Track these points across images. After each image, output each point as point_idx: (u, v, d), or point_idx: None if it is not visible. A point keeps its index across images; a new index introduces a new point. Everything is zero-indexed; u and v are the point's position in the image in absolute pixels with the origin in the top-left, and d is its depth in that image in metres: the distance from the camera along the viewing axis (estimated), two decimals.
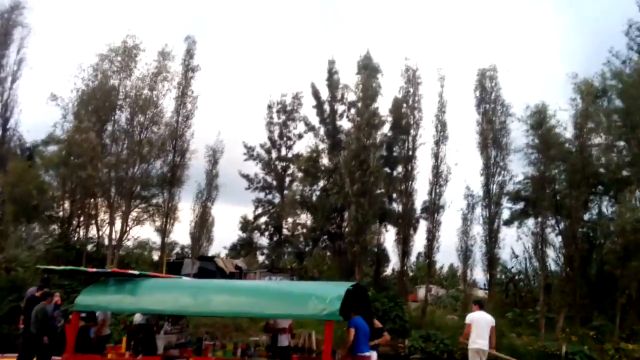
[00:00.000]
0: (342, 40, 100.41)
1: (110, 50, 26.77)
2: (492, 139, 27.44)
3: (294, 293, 8.39)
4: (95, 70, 26.61)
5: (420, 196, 29.84)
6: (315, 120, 35.75)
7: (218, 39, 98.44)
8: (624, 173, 26.32)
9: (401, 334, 24.66)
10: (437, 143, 28.56)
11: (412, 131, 29.33)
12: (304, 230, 35.61)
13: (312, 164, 34.09)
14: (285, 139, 38.49)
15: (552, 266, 27.43)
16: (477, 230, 27.48)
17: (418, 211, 29.72)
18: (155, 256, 29.92)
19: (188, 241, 31.73)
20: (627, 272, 23.31)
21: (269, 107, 38.42)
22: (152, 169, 27.60)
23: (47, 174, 27.48)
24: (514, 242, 29.21)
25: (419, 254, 35.93)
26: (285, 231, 38.05)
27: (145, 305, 8.67)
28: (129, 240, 27.98)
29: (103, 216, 27.21)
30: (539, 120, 26.73)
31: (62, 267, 10.54)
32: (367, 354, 9.07)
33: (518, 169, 28.28)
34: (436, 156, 28.42)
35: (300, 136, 38.02)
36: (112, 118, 26.90)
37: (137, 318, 10.01)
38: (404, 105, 29.66)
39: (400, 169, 30.32)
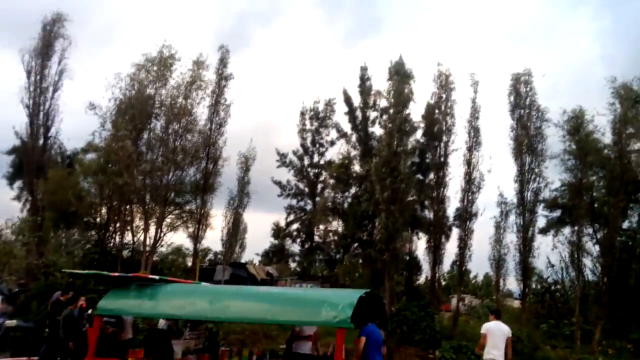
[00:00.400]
0: (375, 46, 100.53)
1: (146, 60, 27.43)
2: (526, 144, 26.88)
3: (307, 300, 8.41)
4: (132, 79, 27.29)
5: (453, 203, 29.50)
6: (347, 127, 35.90)
7: (251, 46, 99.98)
8: None
9: (431, 344, 24.31)
10: (470, 149, 28.13)
11: (444, 137, 28.96)
12: (335, 238, 35.65)
13: (344, 171, 34.15)
14: (317, 145, 38.86)
15: (589, 276, 26.67)
16: (511, 238, 26.95)
17: (450, 219, 29.40)
18: (189, 262, 30.36)
19: (221, 248, 32.24)
20: None
21: (302, 114, 38.96)
22: (186, 176, 28.05)
23: (85, 181, 28.22)
24: (550, 251, 28.46)
25: (454, 262, 35.43)
26: (316, 238, 38.26)
27: (163, 310, 8.86)
28: (162, 246, 28.39)
29: (138, 222, 27.83)
30: (576, 125, 26.11)
31: (86, 272, 10.83)
32: None
33: (554, 175, 27.73)
34: (468, 163, 27.98)
35: (332, 143, 38.33)
36: (148, 126, 27.48)
37: (161, 323, 10.23)
38: (436, 111, 29.31)
39: (432, 175, 29.98)
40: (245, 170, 29.29)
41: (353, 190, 35.02)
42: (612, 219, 24.98)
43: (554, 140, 26.84)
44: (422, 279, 33.82)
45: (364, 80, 34.29)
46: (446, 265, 30.39)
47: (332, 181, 35.89)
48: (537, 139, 26.84)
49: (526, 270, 26.75)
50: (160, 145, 27.13)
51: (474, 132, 28.12)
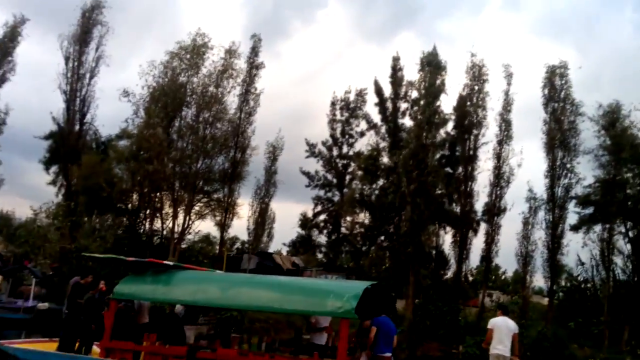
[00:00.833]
0: (410, 37, 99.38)
1: (180, 49, 27.84)
2: (559, 139, 26.28)
3: (314, 290, 8.50)
4: (165, 67, 27.77)
5: (482, 198, 29.01)
6: (377, 118, 35.50)
7: (287, 34, 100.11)
8: None
9: (455, 339, 24.14)
10: (500, 143, 27.73)
11: (474, 130, 28.53)
12: (362, 230, 35.47)
13: (372, 163, 33.88)
14: (347, 136, 38.54)
15: (620, 275, 25.97)
16: (539, 235, 26.53)
17: (479, 213, 28.97)
18: (217, 250, 30.79)
19: (248, 237, 32.56)
20: None
21: (333, 104, 38.65)
22: (215, 165, 28.44)
23: (117, 167, 28.84)
24: (581, 248, 27.79)
25: (483, 257, 34.94)
26: (343, 230, 38.10)
27: (176, 296, 9.07)
28: (190, 234, 28.87)
29: (167, 209, 28.37)
30: (612, 120, 25.37)
31: (103, 255, 11.16)
32: (387, 354, 8.99)
33: (587, 171, 27.03)
34: (498, 156, 27.57)
35: (362, 134, 37.92)
36: (179, 114, 27.88)
37: (178, 308, 10.47)
38: (468, 103, 28.77)
39: (461, 169, 29.55)
40: (272, 160, 29.47)
41: (381, 182, 34.70)
42: None
43: (588, 135, 26.23)
44: (450, 274, 33.55)
45: (395, 70, 33.72)
46: (474, 260, 29.99)
47: (360, 172, 35.63)
48: (570, 134, 26.20)
49: (554, 267, 26.24)
50: (190, 134, 27.57)
51: (506, 125, 27.67)
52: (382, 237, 35.20)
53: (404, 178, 27.09)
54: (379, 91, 34.15)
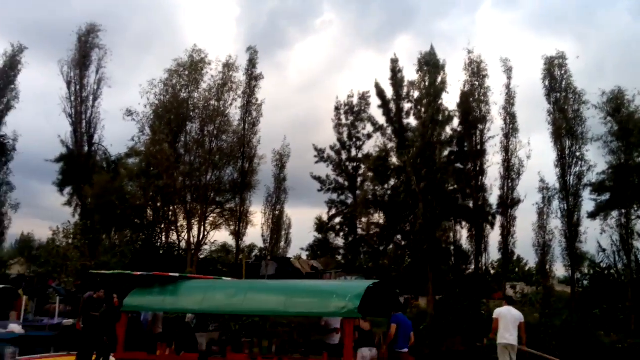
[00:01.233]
0: (408, 38, 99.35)
1: (178, 66, 28.23)
2: (565, 128, 26.19)
3: (317, 291, 8.61)
4: (165, 85, 28.16)
5: (496, 191, 29.01)
6: (382, 120, 35.59)
7: (286, 45, 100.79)
8: None
9: (478, 333, 24.02)
10: (507, 136, 27.81)
11: (479, 125, 28.60)
12: (377, 230, 35.49)
13: (381, 164, 33.91)
14: (354, 139, 38.55)
15: None
16: (555, 224, 26.46)
17: (494, 207, 28.88)
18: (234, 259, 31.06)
19: (262, 244, 32.91)
20: None
21: (337, 109, 38.68)
22: (224, 176, 28.71)
23: (129, 185, 29.28)
24: (600, 235, 27.53)
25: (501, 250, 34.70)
26: (359, 231, 38.13)
27: (183, 306, 9.25)
28: (206, 244, 29.17)
29: (182, 222, 28.70)
30: (616, 106, 25.17)
31: (110, 272, 11.44)
32: (404, 350, 9.19)
33: (598, 158, 26.88)
34: (506, 149, 27.62)
35: (369, 136, 37.92)
36: (184, 129, 28.24)
37: (189, 317, 10.67)
38: (470, 99, 28.85)
39: (470, 164, 29.52)
40: (280, 168, 29.70)
41: (392, 182, 34.72)
42: None
43: (594, 122, 26.14)
44: (472, 268, 33.41)
45: (395, 72, 33.82)
46: (496, 253, 29.93)
47: (370, 174, 35.68)
48: (576, 122, 26.16)
49: (574, 256, 26.09)
50: (197, 147, 27.86)
51: (510, 119, 27.81)
52: (399, 236, 35.24)
53: (413, 177, 27.20)
54: (380, 93, 34.26)
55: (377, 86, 34.73)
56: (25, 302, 23.52)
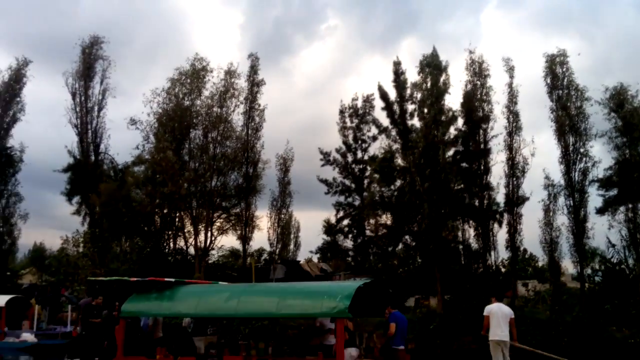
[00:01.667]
0: (412, 41, 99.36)
1: (180, 74, 28.60)
2: (569, 125, 26.13)
3: (308, 292, 8.76)
4: (168, 94, 28.54)
5: (502, 189, 28.98)
6: (386, 122, 35.67)
7: (292, 51, 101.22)
8: None
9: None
10: (510, 134, 27.73)
11: (483, 124, 28.68)
12: (385, 231, 35.56)
13: (387, 165, 34.00)
14: (359, 142, 38.68)
15: None
16: (562, 220, 26.31)
17: (501, 205, 28.87)
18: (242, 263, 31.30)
19: (269, 248, 33.10)
20: None
21: (341, 112, 38.83)
22: (229, 181, 29.03)
23: (136, 192, 29.59)
24: (609, 230, 27.43)
25: (508, 248, 34.59)
26: (368, 232, 38.22)
27: (179, 310, 9.47)
28: (213, 249, 29.44)
29: (189, 228, 29.01)
30: (619, 102, 25.13)
31: (109, 278, 11.66)
32: (401, 347, 9.37)
33: (604, 154, 26.87)
34: (510, 147, 27.57)
35: (374, 138, 38.01)
36: (188, 137, 28.61)
37: (186, 321, 10.85)
38: (473, 99, 28.92)
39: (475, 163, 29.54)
40: (284, 172, 29.91)
41: (398, 183, 34.79)
42: None
43: (597, 118, 26.08)
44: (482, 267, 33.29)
45: (398, 74, 33.85)
46: (504, 252, 29.89)
47: (376, 176, 35.78)
48: (579, 119, 26.05)
49: (582, 252, 26.00)
50: (201, 154, 28.15)
51: (513, 117, 27.75)
52: (408, 237, 35.29)
53: (417, 177, 27.28)
54: (383, 95, 34.39)
55: (380, 88, 34.91)
56: (38, 311, 23.84)
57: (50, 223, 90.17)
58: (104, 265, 27.88)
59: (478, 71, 28.56)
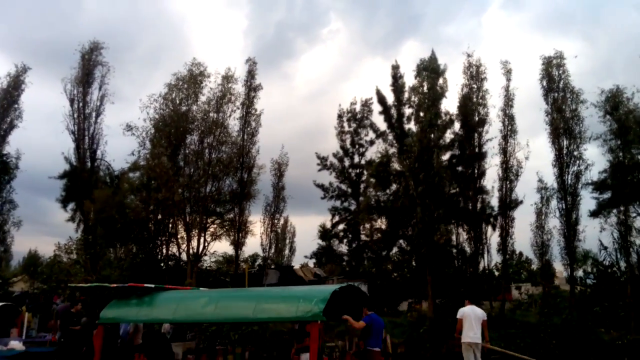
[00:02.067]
0: (412, 44, 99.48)
1: (177, 80, 28.58)
2: (563, 128, 26.21)
3: (284, 297, 8.77)
4: (165, 99, 28.51)
5: (495, 193, 28.97)
6: (384, 126, 35.70)
7: (290, 57, 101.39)
8: None
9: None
10: (505, 138, 27.75)
11: (479, 128, 28.71)
12: (379, 235, 35.53)
13: (383, 169, 33.99)
14: (357, 146, 38.81)
15: None
16: (554, 223, 26.35)
17: (496, 208, 28.84)
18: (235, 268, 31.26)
19: (262, 253, 33.13)
20: None
21: (339, 116, 39.03)
22: (224, 186, 28.99)
23: (130, 199, 29.55)
24: (602, 233, 27.42)
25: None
26: (363, 237, 38.21)
27: (157, 316, 9.42)
28: (206, 255, 29.34)
29: (183, 234, 28.94)
30: (614, 104, 25.17)
31: (88, 284, 11.65)
32: (376, 349, 9.42)
33: (598, 157, 26.89)
34: (504, 151, 27.58)
35: (372, 142, 38.17)
36: (184, 142, 28.54)
37: (165, 327, 10.81)
38: (469, 102, 28.94)
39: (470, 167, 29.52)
40: (279, 177, 29.89)
41: (394, 187, 34.77)
42: None
43: (592, 121, 26.15)
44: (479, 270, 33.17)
45: (396, 78, 33.94)
46: (496, 255, 29.83)
47: (372, 180, 35.76)
48: (574, 122, 26.13)
49: (572, 254, 25.99)
50: (196, 159, 28.12)
51: (509, 120, 27.81)
52: (402, 241, 35.25)
53: (411, 181, 27.25)
54: (381, 99, 34.42)
55: (378, 92, 34.98)
56: (28, 318, 23.78)
57: (47, 230, 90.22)
58: (96, 272, 27.78)
59: (475, 74, 28.68)
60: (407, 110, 34.06)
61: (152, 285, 9.85)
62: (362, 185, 38.86)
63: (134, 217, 27.87)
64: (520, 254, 52.66)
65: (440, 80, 28.70)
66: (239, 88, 29.72)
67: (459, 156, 30.20)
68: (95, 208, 27.88)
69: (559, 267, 28.16)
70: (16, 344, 19.52)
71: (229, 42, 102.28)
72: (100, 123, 30.63)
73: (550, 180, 26.65)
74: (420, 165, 27.11)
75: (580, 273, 29.58)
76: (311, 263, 42.83)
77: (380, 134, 36.29)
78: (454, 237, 30.13)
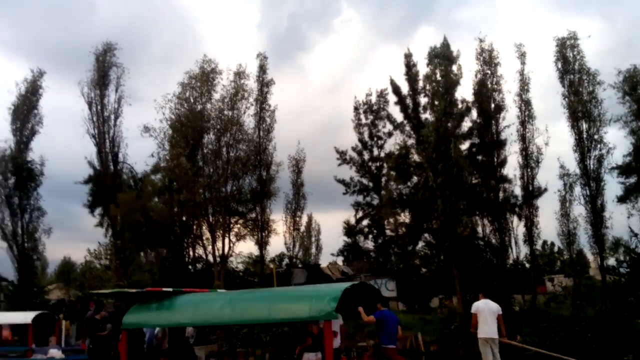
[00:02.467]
0: (425, 32, 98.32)
1: (190, 78, 28.67)
2: (582, 111, 25.58)
3: (297, 297, 8.92)
4: (179, 98, 28.62)
5: (518, 181, 28.48)
6: (400, 117, 35.32)
7: (304, 50, 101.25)
8: None
9: (512, 329, 23.65)
10: (523, 123, 27.25)
11: (496, 114, 28.17)
12: (404, 229, 35.22)
13: (402, 161, 33.69)
14: (375, 138, 38.38)
15: None
16: (579, 211, 25.81)
17: (519, 197, 28.42)
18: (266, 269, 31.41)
19: (286, 251, 33.20)
20: None
21: (355, 108, 38.55)
22: (244, 185, 29.08)
23: (153, 201, 29.83)
24: (630, 220, 26.70)
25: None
26: (388, 232, 37.88)
27: (177, 320, 9.67)
28: (232, 256, 29.51)
29: (208, 235, 29.14)
30: (633, 84, 24.55)
31: (110, 290, 11.99)
32: (391, 346, 9.44)
33: (619, 139, 26.27)
34: (523, 137, 27.10)
35: (390, 134, 37.66)
36: (201, 142, 28.59)
37: (189, 331, 11.09)
38: (484, 89, 28.47)
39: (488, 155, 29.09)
40: (297, 173, 29.86)
41: (415, 179, 34.47)
42: None
43: (612, 102, 25.56)
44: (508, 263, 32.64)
45: (409, 67, 33.42)
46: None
47: (393, 173, 35.46)
48: (592, 104, 25.48)
49: (601, 243, 25.44)
50: (215, 158, 28.15)
51: (525, 106, 27.25)
52: (427, 235, 34.88)
53: (430, 173, 27.00)
54: (396, 89, 33.99)
55: (392, 82, 34.49)
56: (66, 326, 24.42)
57: (79, 236, 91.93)
58: (127, 277, 28.23)
59: (488, 60, 28.10)
60: (423, 100, 33.73)
61: (171, 289, 10.11)
62: (383, 179, 38.58)
63: (158, 219, 28.12)
64: (552, 244, 51.76)
65: (454, 67, 28.19)
66: (251, 84, 29.70)
67: (478, 145, 29.86)
68: (120, 212, 28.22)
69: (590, 256, 27.58)
70: (55, 352, 20.15)
71: (243, 37, 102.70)
72: (119, 125, 31.02)
73: (573, 166, 26.16)
74: (437, 155, 26.75)
75: (612, 262, 28.92)
76: (340, 261, 42.86)
77: (397, 125, 35.78)
78: (479, 229, 29.90)
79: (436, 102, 27.99)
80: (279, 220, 30.45)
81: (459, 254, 26.89)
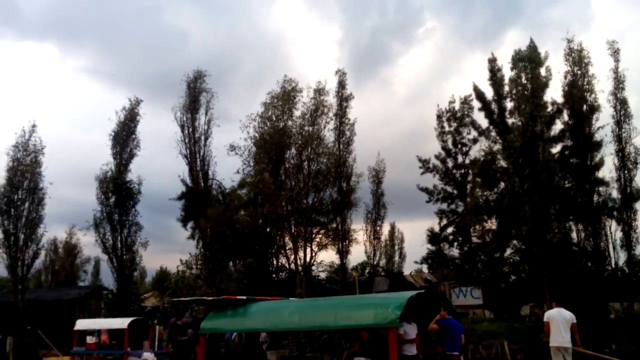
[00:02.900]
0: (516, 33, 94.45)
1: (272, 98, 29.89)
2: None
3: (362, 304, 9.00)
4: (262, 117, 30.01)
5: (615, 184, 26.77)
6: (485, 123, 34.49)
7: (387, 62, 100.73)
8: None
9: (605, 338, 22.28)
10: (619, 123, 25.61)
11: (588, 116, 26.81)
12: (490, 236, 34.24)
13: (487, 167, 32.84)
14: (459, 146, 37.87)
15: None
16: None
17: (617, 201, 26.70)
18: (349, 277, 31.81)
19: (374, 260, 33.27)
20: None
21: (439, 116, 38.29)
22: (325, 197, 29.69)
23: (239, 214, 31.23)
24: None
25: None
26: (474, 239, 37.03)
27: (250, 325, 10.11)
28: (313, 265, 30.19)
29: (290, 245, 30.08)
30: None
31: (189, 298, 12.61)
32: (455, 353, 9.34)
33: None
34: (619, 138, 25.45)
35: (475, 140, 36.98)
36: (284, 157, 29.73)
37: (263, 336, 11.48)
38: (574, 90, 27.18)
39: (581, 158, 27.61)
40: (377, 183, 30.07)
41: (502, 185, 33.43)
42: None
43: None
44: (607, 270, 30.79)
45: (494, 72, 32.56)
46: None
47: (478, 180, 34.63)
48: None
49: None
50: (296, 172, 29.14)
51: (621, 105, 25.64)
52: (515, 241, 33.69)
53: (516, 178, 26.07)
54: (479, 95, 33.21)
55: (476, 88, 33.80)
56: (160, 331, 26.03)
57: (174, 248, 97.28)
58: (216, 285, 29.61)
59: (577, 60, 26.87)
60: (509, 104, 32.73)
61: (244, 297, 10.54)
62: (468, 186, 37.77)
63: (244, 231, 29.38)
64: None
65: (542, 70, 27.17)
66: (330, 99, 30.64)
67: (571, 147, 28.46)
68: (210, 225, 29.80)
69: None
70: (149, 356, 21.56)
71: (325, 54, 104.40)
72: (209, 145, 33.19)
73: None
74: (524, 160, 25.86)
75: None
76: (424, 268, 42.38)
77: (482, 131, 35.01)
78: (573, 235, 28.40)
79: (522, 106, 27.08)
80: (359, 230, 30.80)
81: (548, 261, 25.68)
